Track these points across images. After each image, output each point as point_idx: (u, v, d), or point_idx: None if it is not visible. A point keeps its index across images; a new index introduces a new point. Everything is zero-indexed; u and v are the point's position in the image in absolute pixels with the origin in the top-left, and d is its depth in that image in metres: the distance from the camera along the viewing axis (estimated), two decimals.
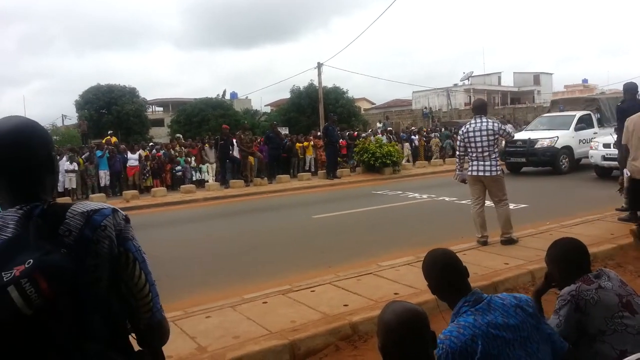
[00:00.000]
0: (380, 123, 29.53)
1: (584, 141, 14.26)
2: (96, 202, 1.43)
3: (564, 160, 14.35)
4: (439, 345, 1.88)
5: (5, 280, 1.08)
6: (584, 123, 14.93)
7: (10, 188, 1.28)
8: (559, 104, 17.77)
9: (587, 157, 13.17)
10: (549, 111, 18.21)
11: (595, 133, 14.47)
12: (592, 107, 15.71)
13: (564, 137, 14.37)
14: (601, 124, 15.19)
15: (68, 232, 1.23)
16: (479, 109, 6.25)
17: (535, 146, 14.33)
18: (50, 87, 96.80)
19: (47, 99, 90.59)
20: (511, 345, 1.89)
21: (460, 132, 6.40)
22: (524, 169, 15.03)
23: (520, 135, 15.28)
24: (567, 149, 14.35)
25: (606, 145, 12.09)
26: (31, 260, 1.10)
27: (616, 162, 11.60)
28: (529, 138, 14.68)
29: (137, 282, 1.36)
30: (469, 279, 2.15)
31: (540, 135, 14.71)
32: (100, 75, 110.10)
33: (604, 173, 12.52)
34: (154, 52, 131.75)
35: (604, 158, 12.19)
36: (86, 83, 55.18)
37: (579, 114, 15.17)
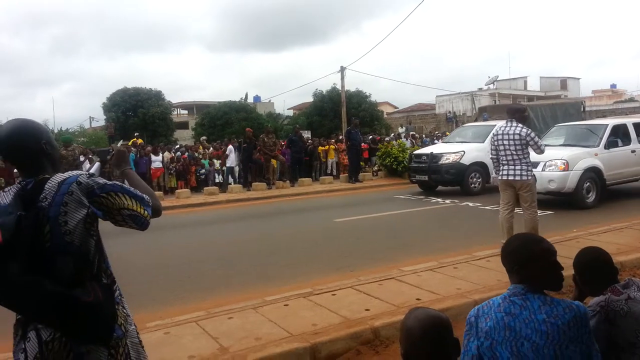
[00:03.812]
0: (402, 127, 29.40)
1: None
2: (73, 172, 1.85)
3: (474, 179, 12.31)
4: None
5: None
6: None
7: (19, 169, 1.86)
8: (485, 111, 15.67)
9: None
10: (475, 119, 16.16)
11: None
12: None
13: (475, 151, 12.41)
14: None
15: (45, 198, 1.73)
16: (510, 113, 6.18)
17: (440, 162, 12.37)
18: (80, 89, 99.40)
19: (76, 101, 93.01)
20: (519, 342, 1.90)
21: (491, 135, 6.33)
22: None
23: (423, 149, 13.81)
24: (480, 166, 12.20)
25: None
26: (0, 220, 1.64)
27: None
28: (432, 152, 12.84)
29: (124, 204, 1.80)
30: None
31: (446, 149, 12.84)
32: (130, 78, 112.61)
33: None
34: (185, 54, 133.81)
35: None
36: (116, 85, 56.30)
37: (499, 123, 13.62)
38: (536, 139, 6.03)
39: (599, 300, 2.24)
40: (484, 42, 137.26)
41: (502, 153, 6.02)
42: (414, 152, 13.89)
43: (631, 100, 44.61)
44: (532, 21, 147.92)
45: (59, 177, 1.78)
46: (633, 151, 10.15)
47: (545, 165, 9.23)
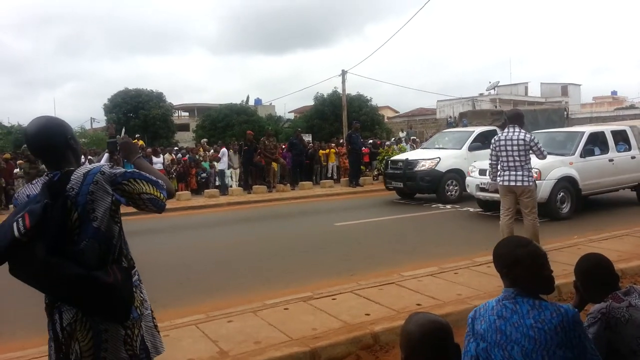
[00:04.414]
0: (403, 132, 29.38)
1: None
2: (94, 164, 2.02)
3: (451, 187, 11.91)
4: None
5: (15, 218, 1.76)
6: (487, 140, 12.37)
7: (46, 163, 2.00)
8: (465, 117, 15.14)
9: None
10: (456, 125, 15.68)
11: None
12: (499, 122, 13.15)
13: (452, 158, 12.10)
14: None
15: (72, 188, 1.87)
16: (512, 118, 6.18)
17: (415, 169, 12.05)
18: (82, 90, 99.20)
19: (78, 102, 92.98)
20: (510, 346, 1.92)
21: (492, 140, 6.33)
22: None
23: (400, 156, 13.56)
24: (457, 173, 11.79)
25: (482, 172, 9.52)
26: (28, 207, 1.78)
27: (492, 194, 9.13)
28: (407, 159, 12.54)
29: (143, 189, 1.96)
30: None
31: (421, 155, 12.64)
32: (133, 79, 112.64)
33: (488, 207, 9.94)
34: (188, 56, 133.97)
35: (480, 188, 9.72)
36: (118, 87, 56.26)
37: (478, 130, 12.72)
38: (539, 144, 6.04)
39: (600, 308, 2.24)
40: (486, 47, 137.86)
41: (504, 159, 6.01)
42: (391, 159, 13.58)
43: (632, 107, 44.62)
44: (533, 27, 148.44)
45: (84, 168, 1.94)
46: (611, 160, 9.74)
47: None
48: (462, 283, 5.08)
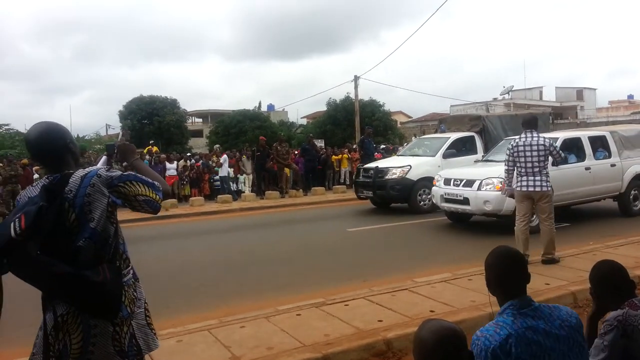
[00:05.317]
0: (415, 137, 29.28)
1: None
2: (94, 166, 2.12)
3: (423, 196, 11.26)
4: (474, 342, 1.87)
5: (13, 219, 1.82)
6: (465, 147, 12.06)
7: (45, 166, 2.09)
8: (444, 122, 14.60)
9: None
10: (436, 131, 15.15)
11: (477, 161, 10.79)
12: (477, 128, 12.52)
13: (425, 165, 11.49)
14: (488, 149, 11.34)
15: (70, 191, 1.95)
16: (529, 123, 6.14)
17: (385, 177, 11.50)
18: (99, 96, 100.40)
19: (95, 109, 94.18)
20: (547, 355, 1.86)
21: (509, 145, 6.27)
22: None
23: (370, 164, 13.04)
24: (429, 182, 10.73)
25: (447, 182, 9.16)
26: (25, 208, 1.84)
27: (456, 206, 8.90)
28: (377, 167, 11.99)
29: (139, 191, 2.03)
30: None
31: (392, 163, 12.19)
32: (148, 86, 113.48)
33: (454, 217, 9.64)
34: (203, 63, 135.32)
35: (444, 198, 9.17)
36: (134, 93, 56.93)
37: (454, 136, 12.23)
38: (558, 147, 6.01)
39: (616, 315, 2.21)
40: (500, 51, 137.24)
41: (522, 165, 5.96)
42: (363, 167, 13.01)
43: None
44: (548, 31, 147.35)
45: (81, 171, 2.01)
46: (587, 168, 8.88)
47: (481, 184, 8.22)
48: (476, 289, 5.03)
